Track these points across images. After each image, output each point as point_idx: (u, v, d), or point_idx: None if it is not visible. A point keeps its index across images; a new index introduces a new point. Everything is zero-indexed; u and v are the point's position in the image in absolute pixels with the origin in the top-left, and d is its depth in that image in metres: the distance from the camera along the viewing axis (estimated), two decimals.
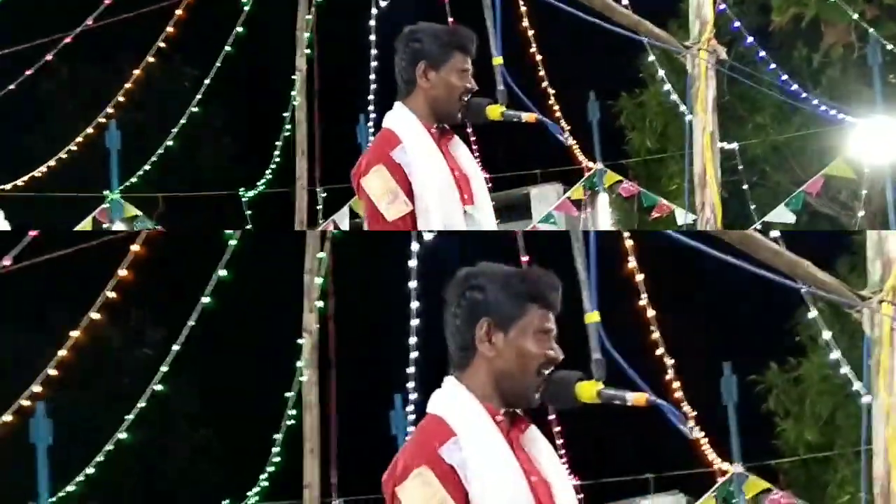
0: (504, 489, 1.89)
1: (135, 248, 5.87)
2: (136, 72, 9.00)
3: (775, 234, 4.09)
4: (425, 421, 1.98)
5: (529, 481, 1.94)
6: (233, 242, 6.15)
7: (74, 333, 6.18)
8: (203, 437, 10.64)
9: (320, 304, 5.87)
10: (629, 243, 6.00)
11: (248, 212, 9.64)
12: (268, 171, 9.46)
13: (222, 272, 6.14)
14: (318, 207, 9.13)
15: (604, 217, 9.85)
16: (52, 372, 6.31)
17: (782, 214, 8.77)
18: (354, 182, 2.58)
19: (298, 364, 6.06)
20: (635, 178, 10.01)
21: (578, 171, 9.66)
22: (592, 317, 2.01)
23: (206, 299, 6.12)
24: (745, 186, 9.21)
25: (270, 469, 6.92)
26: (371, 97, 8.29)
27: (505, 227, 9.30)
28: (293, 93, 7.71)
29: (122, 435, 6.79)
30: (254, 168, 9.75)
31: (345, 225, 9.17)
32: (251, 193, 9.61)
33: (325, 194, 9.17)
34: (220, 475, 9.74)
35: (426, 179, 2.53)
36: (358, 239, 7.99)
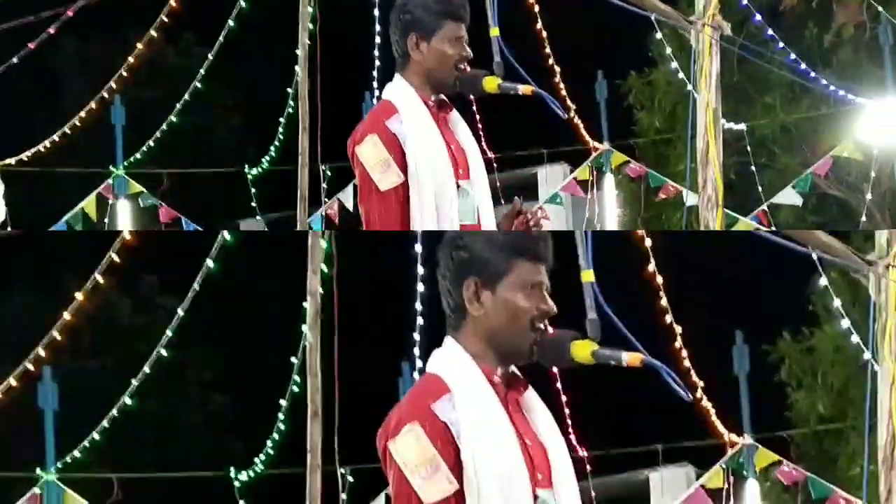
0: (495, 449, 1.87)
1: (126, 235, 5.89)
2: (140, 46, 8.96)
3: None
4: (422, 379, 1.98)
5: (524, 444, 1.92)
6: (229, 238, 6.14)
7: (79, 296, 6.20)
8: (216, 405, 10.69)
9: (324, 267, 5.86)
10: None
11: (253, 189, 9.64)
12: (272, 149, 9.45)
13: (210, 263, 6.14)
14: (321, 185, 9.11)
15: (610, 198, 9.80)
16: (58, 336, 6.34)
17: (790, 196, 8.70)
18: (350, 151, 2.57)
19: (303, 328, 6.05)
20: (643, 159, 9.94)
21: (585, 151, 9.60)
22: (588, 275, 1.97)
23: (210, 263, 6.12)
24: (753, 168, 9.14)
25: (276, 436, 6.98)
26: (375, 73, 8.25)
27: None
28: (296, 68, 7.67)
29: (129, 401, 6.81)
30: (262, 145, 9.73)
31: (349, 204, 9.15)
32: (255, 171, 9.60)
33: (329, 173, 9.15)
34: (234, 443, 9.80)
35: (419, 150, 2.51)
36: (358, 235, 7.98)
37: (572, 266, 2.04)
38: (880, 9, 8.64)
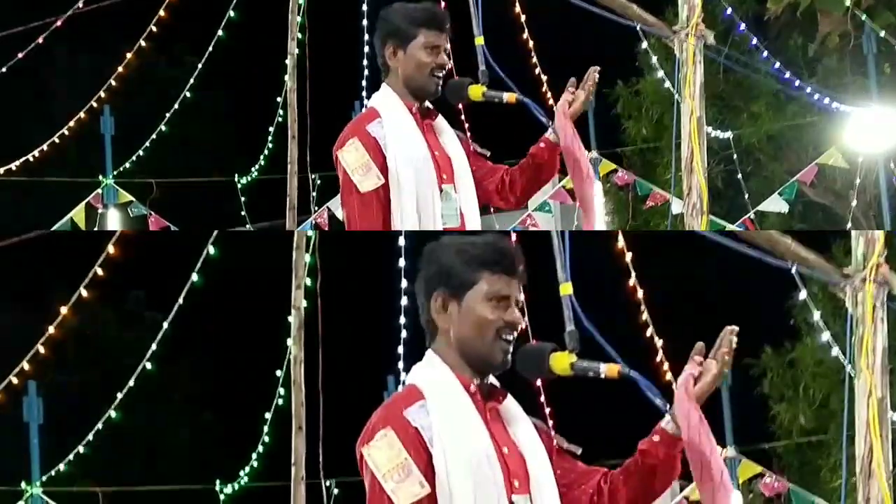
0: (466, 455, 1.90)
1: (110, 249, 5.89)
2: (129, 55, 8.99)
3: None
4: (401, 388, 2.03)
5: (501, 452, 1.94)
6: (212, 251, 6.17)
7: (64, 310, 6.20)
8: (204, 420, 10.68)
9: (308, 280, 5.89)
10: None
11: (243, 198, 9.65)
12: (261, 158, 9.47)
13: (194, 277, 6.17)
14: (311, 194, 9.14)
15: (598, 206, 9.84)
16: (42, 350, 6.34)
17: (776, 204, 8.77)
18: (334, 156, 2.61)
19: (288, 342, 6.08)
20: (631, 167, 10.01)
21: None
22: (566, 288, 2.03)
23: (194, 277, 6.14)
24: (740, 176, 9.21)
25: (261, 448, 6.99)
26: (364, 82, 8.29)
27: (499, 217, 9.32)
28: (285, 77, 7.71)
29: (113, 414, 6.82)
30: (253, 154, 9.76)
31: (339, 213, 9.18)
32: (245, 180, 9.62)
33: (319, 181, 9.17)
34: (222, 457, 9.79)
35: (400, 153, 2.55)
36: (342, 237, 8.02)
37: (552, 278, 2.08)
38: (864, 18, 8.74)
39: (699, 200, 5.51)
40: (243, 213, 9.69)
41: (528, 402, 2.06)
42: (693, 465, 1.88)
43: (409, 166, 2.53)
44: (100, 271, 6.00)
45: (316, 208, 9.34)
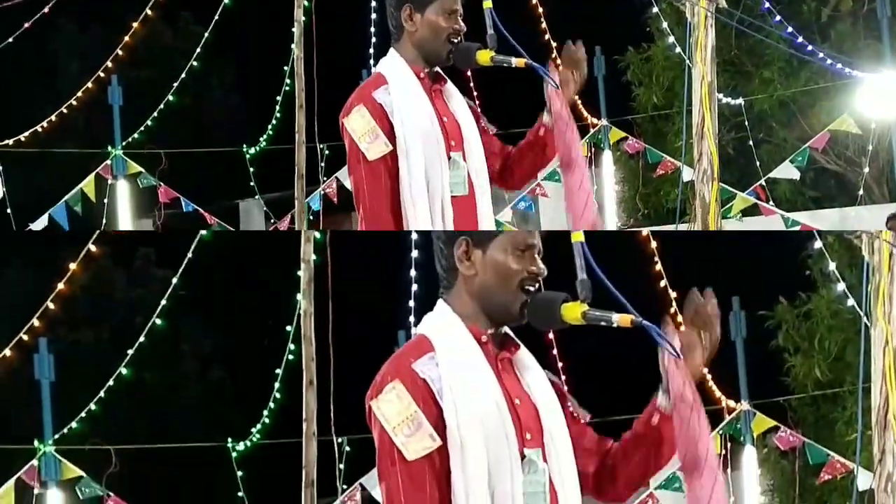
0: (476, 407, 1.88)
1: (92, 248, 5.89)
2: (135, 25, 8.94)
3: None
4: (411, 339, 2.00)
5: (512, 403, 1.92)
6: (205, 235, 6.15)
7: (73, 266, 6.20)
8: (216, 377, 10.72)
9: (317, 234, 5.87)
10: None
11: (252, 169, 9.63)
12: (269, 128, 9.43)
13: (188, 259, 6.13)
14: (320, 164, 9.10)
15: (608, 174, 9.80)
16: (52, 306, 6.35)
17: (787, 170, 8.70)
18: (340, 124, 2.58)
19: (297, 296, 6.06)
20: (641, 135, 9.94)
21: (583, 127, 9.59)
22: (577, 236, 1.98)
23: (203, 232, 6.13)
24: (751, 143, 9.13)
25: (272, 405, 7.00)
26: (371, 50, 8.23)
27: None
28: (292, 46, 7.65)
29: (125, 371, 6.84)
30: (261, 124, 9.72)
31: (348, 183, 9.14)
32: (253, 150, 9.59)
33: (327, 151, 9.14)
34: (234, 415, 9.84)
35: (407, 119, 2.52)
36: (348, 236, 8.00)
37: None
38: None
39: (710, 167, 5.46)
40: (252, 183, 9.67)
41: (540, 357, 2.04)
42: (679, 445, 1.85)
43: (416, 133, 2.50)
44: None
45: (324, 178, 9.31)
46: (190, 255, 6.36)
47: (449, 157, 2.57)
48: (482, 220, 2.58)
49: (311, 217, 8.98)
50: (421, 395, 1.87)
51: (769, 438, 7.05)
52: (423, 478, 1.84)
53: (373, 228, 2.49)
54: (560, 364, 5.96)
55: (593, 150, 9.60)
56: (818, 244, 4.31)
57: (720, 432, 6.86)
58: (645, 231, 5.82)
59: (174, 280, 6.58)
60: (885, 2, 8.50)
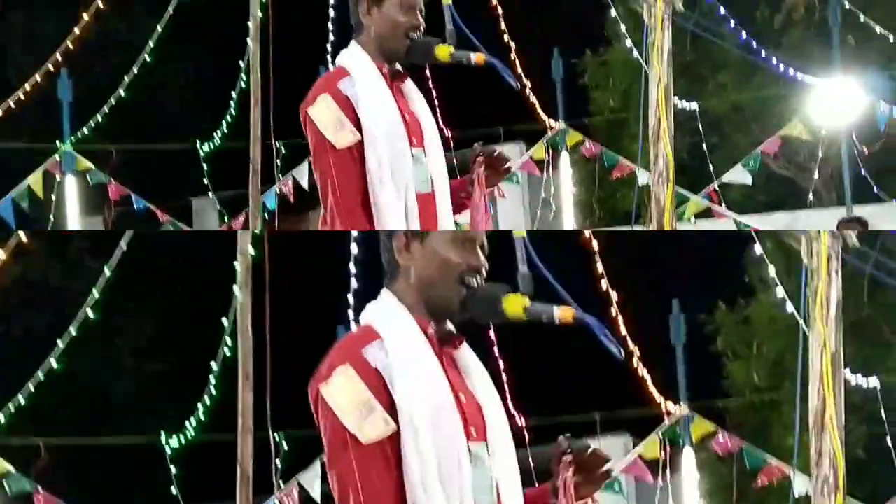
0: (428, 399, 1.85)
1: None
2: (86, 17, 8.76)
3: None
4: (354, 329, 1.96)
5: (458, 398, 1.90)
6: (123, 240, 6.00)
7: (2, 254, 6.04)
8: (151, 370, 10.52)
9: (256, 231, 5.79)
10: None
11: (206, 166, 9.49)
12: (224, 124, 9.30)
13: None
14: (275, 162, 9.01)
15: (566, 177, 9.85)
16: None
17: (740, 175, 8.81)
18: (302, 115, 2.53)
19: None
20: (598, 138, 10.01)
21: (541, 130, 9.63)
22: (519, 232, 1.96)
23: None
24: (705, 147, 9.24)
25: (207, 400, 6.85)
26: (329, 47, 8.16)
27: None
28: (248, 40, 7.55)
29: (55, 364, 6.67)
30: (216, 120, 9.57)
31: (304, 181, 9.06)
32: (207, 147, 9.45)
33: (283, 150, 9.04)
34: (170, 408, 9.66)
35: (373, 112, 2.48)
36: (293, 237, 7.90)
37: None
38: None
39: (665, 169, 5.49)
40: (206, 180, 9.53)
41: (481, 354, 2.01)
42: None
43: (381, 126, 2.47)
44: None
45: (280, 176, 9.21)
46: (123, 246, 6.22)
47: (411, 155, 2.54)
48: (443, 218, 2.55)
49: (266, 216, 8.87)
50: (372, 382, 1.82)
51: (708, 442, 7.11)
52: (377, 461, 1.80)
53: (345, 222, 2.43)
54: (501, 364, 5.94)
55: (551, 153, 9.64)
56: (758, 249, 4.38)
57: (659, 436, 6.90)
58: (587, 232, 5.84)
59: (107, 271, 6.42)
60: (836, 10, 8.66)
